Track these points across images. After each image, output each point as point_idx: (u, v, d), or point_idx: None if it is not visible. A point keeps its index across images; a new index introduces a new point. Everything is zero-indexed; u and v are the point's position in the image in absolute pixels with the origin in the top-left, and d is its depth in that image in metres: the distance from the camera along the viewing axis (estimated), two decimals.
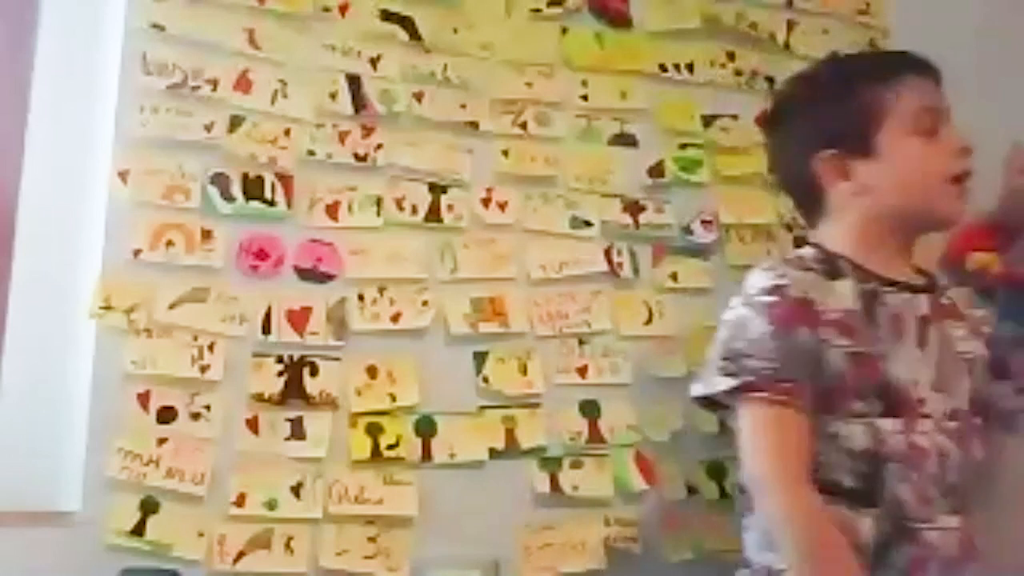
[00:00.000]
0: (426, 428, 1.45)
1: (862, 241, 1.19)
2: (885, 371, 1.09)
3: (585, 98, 1.65)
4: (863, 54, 1.29)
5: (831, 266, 1.15)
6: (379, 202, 1.51)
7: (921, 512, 1.08)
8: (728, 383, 1.14)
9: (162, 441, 1.34)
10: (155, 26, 1.45)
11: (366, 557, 1.38)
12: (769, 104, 1.43)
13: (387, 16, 1.57)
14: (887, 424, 1.09)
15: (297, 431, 1.40)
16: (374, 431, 1.42)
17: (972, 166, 1.18)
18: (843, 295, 1.11)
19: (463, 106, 1.58)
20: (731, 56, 1.76)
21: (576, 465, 1.49)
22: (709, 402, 1.20)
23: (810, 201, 1.24)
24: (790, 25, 1.80)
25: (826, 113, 1.22)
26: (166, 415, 1.35)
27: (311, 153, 1.49)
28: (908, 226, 1.20)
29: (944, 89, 1.26)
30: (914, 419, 1.09)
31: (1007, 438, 1.22)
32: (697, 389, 1.20)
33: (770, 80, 1.75)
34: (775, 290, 1.13)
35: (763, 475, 1.12)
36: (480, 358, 1.50)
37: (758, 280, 1.15)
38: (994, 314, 1.50)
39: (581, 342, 1.55)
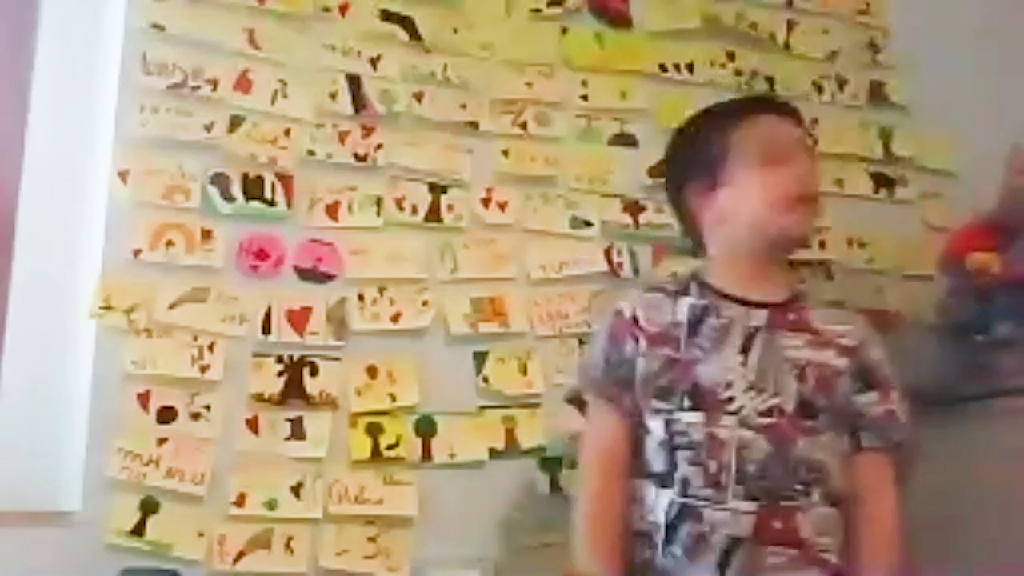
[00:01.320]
0: (426, 428, 1.45)
1: (721, 264, 1.33)
2: (696, 373, 1.23)
3: (585, 98, 1.65)
4: (727, 102, 1.44)
5: (683, 287, 1.33)
6: (379, 202, 1.51)
7: (709, 494, 1.19)
8: (571, 389, 1.37)
9: (162, 441, 1.34)
10: (155, 26, 1.45)
11: (366, 557, 1.38)
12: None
13: (387, 16, 1.57)
14: (689, 417, 1.22)
15: (297, 431, 1.40)
16: (374, 431, 1.42)
17: (813, 190, 1.29)
18: (679, 309, 1.28)
19: (463, 106, 1.58)
20: (731, 56, 1.76)
21: (576, 465, 1.49)
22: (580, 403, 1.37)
23: (691, 233, 1.38)
24: (790, 25, 1.81)
25: (689, 155, 1.37)
26: (166, 415, 1.35)
27: (311, 153, 1.49)
28: (762, 247, 1.30)
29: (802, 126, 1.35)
30: (717, 414, 1.21)
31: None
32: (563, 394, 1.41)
33: (770, 80, 1.75)
34: (615, 314, 1.33)
35: (581, 466, 1.32)
36: (480, 358, 1.50)
37: (610, 307, 1.36)
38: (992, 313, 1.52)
39: (581, 342, 1.54)
